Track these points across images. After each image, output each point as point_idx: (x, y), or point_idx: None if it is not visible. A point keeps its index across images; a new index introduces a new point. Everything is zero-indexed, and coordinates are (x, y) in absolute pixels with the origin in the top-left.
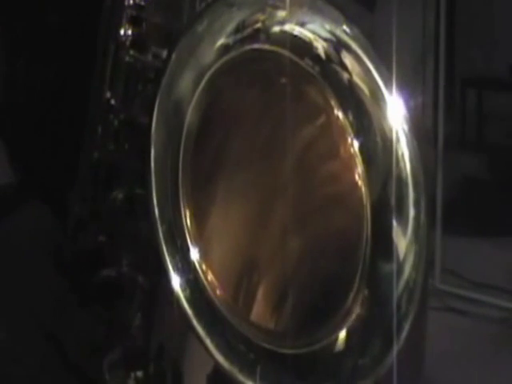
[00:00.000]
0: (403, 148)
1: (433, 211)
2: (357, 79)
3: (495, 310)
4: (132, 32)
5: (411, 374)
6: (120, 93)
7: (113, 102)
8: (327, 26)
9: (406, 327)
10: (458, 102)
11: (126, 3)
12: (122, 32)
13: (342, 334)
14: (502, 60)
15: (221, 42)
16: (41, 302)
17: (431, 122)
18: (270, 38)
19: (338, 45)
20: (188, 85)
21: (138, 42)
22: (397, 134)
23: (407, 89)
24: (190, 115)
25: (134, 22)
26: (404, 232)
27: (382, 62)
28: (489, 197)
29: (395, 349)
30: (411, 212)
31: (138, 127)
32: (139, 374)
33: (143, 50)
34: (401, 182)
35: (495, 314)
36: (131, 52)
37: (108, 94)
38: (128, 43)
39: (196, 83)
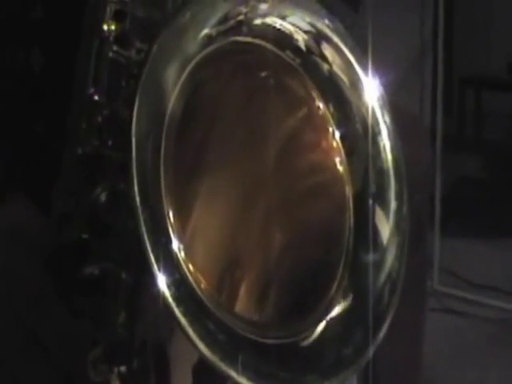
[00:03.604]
0: (384, 140)
1: (431, 211)
2: (337, 70)
3: (493, 311)
4: (115, 27)
5: (410, 374)
6: (104, 88)
7: (96, 97)
8: (307, 19)
9: (389, 318)
10: (457, 102)
11: None
12: (105, 27)
13: (325, 324)
14: (501, 59)
15: (205, 32)
16: (22, 297)
17: (429, 121)
18: (252, 31)
19: (318, 37)
20: (171, 75)
21: (121, 38)
22: (378, 126)
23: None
24: (172, 106)
25: (118, 16)
26: (386, 222)
27: (363, 53)
28: (487, 197)
29: (370, 344)
30: (393, 204)
31: (121, 122)
32: (123, 369)
33: (127, 45)
34: (382, 174)
35: (493, 314)
36: (115, 47)
37: (92, 90)
38: (112, 38)
39: (179, 74)
